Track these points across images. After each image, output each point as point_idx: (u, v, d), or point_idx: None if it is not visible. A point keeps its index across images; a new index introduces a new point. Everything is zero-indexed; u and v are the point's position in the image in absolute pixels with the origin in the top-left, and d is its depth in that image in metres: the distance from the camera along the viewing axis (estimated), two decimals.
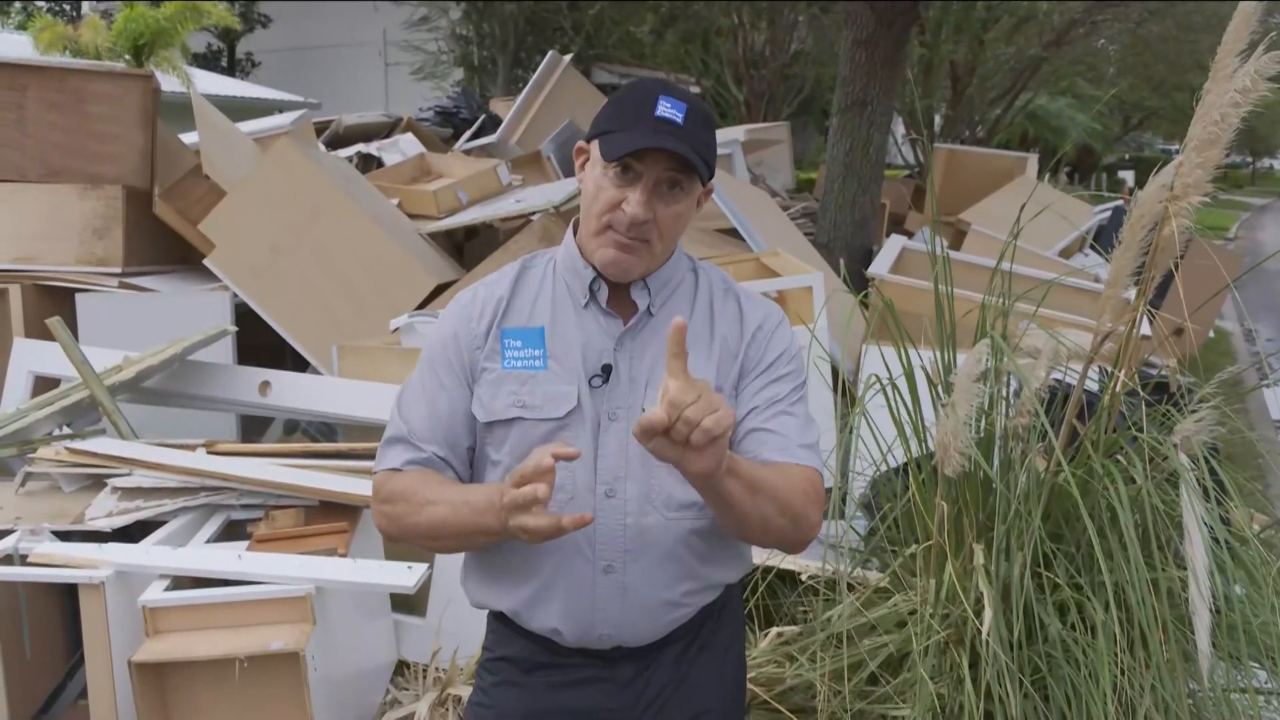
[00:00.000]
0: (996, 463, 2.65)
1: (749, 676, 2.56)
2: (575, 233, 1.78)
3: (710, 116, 1.70)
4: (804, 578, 3.16)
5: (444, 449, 1.74)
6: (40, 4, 22.24)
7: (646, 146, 1.60)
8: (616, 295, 1.74)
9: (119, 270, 5.09)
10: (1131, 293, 2.52)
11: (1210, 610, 2.15)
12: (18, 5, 22.21)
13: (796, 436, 1.72)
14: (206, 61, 20.97)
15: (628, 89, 1.71)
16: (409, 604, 3.46)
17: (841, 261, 3.47)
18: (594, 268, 1.72)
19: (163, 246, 5.35)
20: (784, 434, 1.71)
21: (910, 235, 7.09)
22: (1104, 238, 8.42)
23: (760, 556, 2.89)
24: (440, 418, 1.74)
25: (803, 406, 1.78)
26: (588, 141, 1.71)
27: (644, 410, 1.66)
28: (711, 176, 1.70)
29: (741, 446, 1.71)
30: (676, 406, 1.39)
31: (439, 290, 4.90)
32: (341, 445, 3.75)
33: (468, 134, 8.96)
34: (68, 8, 21.98)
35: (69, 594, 3.20)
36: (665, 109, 1.61)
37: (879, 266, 5.36)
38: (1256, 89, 2.19)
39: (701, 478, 1.48)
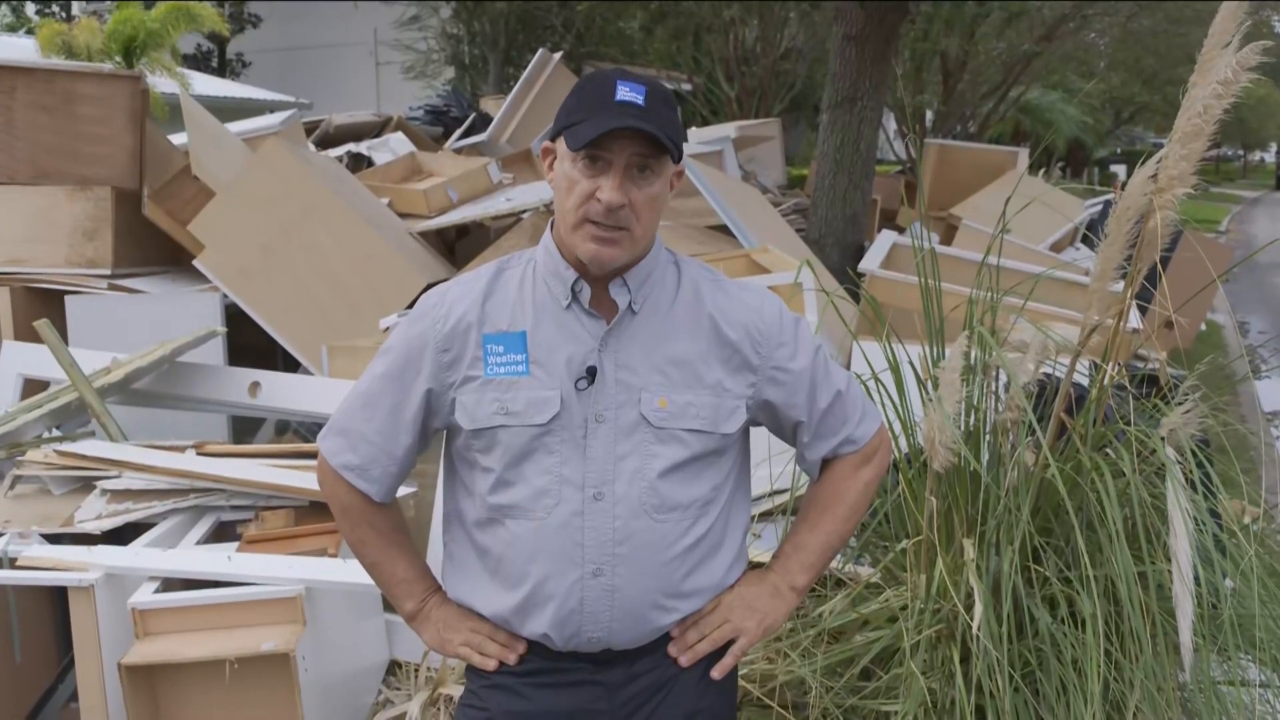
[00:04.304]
0: (985, 457, 2.65)
1: (741, 674, 2.56)
2: (553, 232, 1.75)
3: (670, 96, 1.68)
4: None
5: (382, 453, 1.78)
6: (30, 4, 22.17)
7: (612, 128, 1.58)
8: (599, 295, 1.72)
9: (108, 272, 5.08)
10: (1119, 285, 2.52)
11: (1194, 602, 2.14)
12: (5, 9, 22.13)
13: (839, 428, 1.84)
14: (196, 62, 20.88)
15: (585, 80, 1.70)
16: None
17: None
18: (575, 268, 1.70)
19: (152, 248, 5.34)
20: (825, 435, 1.84)
21: (901, 231, 7.08)
22: (1095, 231, 8.42)
23: (750, 554, 2.89)
24: (386, 419, 1.77)
25: (829, 381, 1.82)
26: (552, 140, 1.70)
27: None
28: (681, 156, 1.69)
29: (808, 451, 1.86)
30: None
31: (429, 290, 4.90)
32: None
33: (458, 133, 8.96)
34: (57, 9, 21.90)
35: (59, 597, 3.19)
36: (625, 93, 1.61)
37: (869, 262, 5.35)
38: (1238, 80, 2.19)
39: (787, 612, 1.88)
